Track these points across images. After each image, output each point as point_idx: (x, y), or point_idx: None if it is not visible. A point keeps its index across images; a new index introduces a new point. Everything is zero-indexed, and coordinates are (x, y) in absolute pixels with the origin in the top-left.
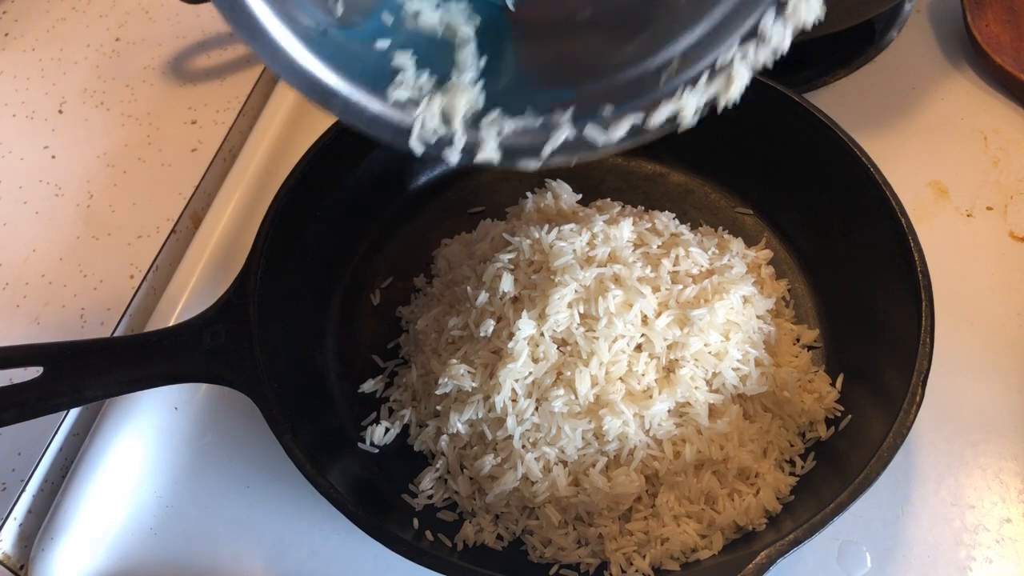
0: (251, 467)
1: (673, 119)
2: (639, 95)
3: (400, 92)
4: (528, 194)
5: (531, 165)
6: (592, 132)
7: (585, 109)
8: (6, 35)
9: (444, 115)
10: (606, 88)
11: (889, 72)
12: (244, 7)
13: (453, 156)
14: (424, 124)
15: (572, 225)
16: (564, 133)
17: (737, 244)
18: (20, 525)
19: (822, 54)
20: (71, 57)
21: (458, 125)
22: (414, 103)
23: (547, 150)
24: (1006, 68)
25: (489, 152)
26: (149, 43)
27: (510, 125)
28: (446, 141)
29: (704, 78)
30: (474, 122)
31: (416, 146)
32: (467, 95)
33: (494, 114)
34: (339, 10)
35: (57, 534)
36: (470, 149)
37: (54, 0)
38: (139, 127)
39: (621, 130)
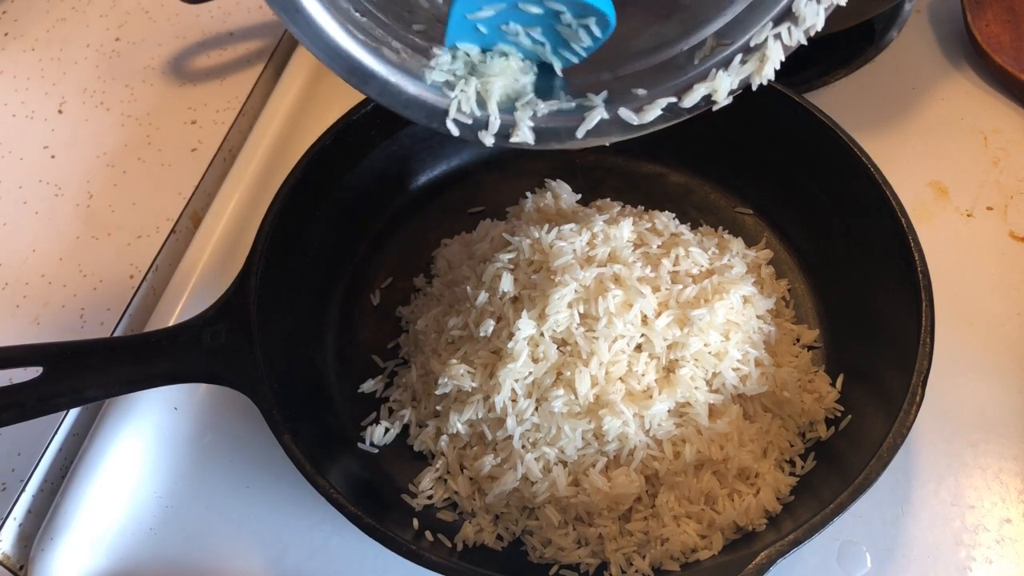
0: (251, 467)
1: (707, 98)
2: (673, 77)
3: (436, 75)
4: (528, 194)
5: (566, 146)
6: (626, 114)
7: (619, 92)
8: (6, 35)
9: (479, 97)
10: (640, 71)
11: (889, 72)
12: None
13: (488, 138)
14: (460, 106)
15: (572, 225)
16: (598, 115)
17: (737, 244)
18: (20, 525)
19: (822, 54)
20: (71, 57)
21: (493, 107)
22: (450, 86)
23: (581, 131)
24: (1006, 68)
25: (523, 134)
26: (149, 43)
27: (544, 108)
28: (481, 123)
29: (738, 59)
30: (509, 105)
31: (451, 128)
32: (502, 78)
33: (528, 96)
34: None
35: (57, 534)
36: (505, 131)
37: (54, 0)
38: (139, 127)
39: (654, 112)
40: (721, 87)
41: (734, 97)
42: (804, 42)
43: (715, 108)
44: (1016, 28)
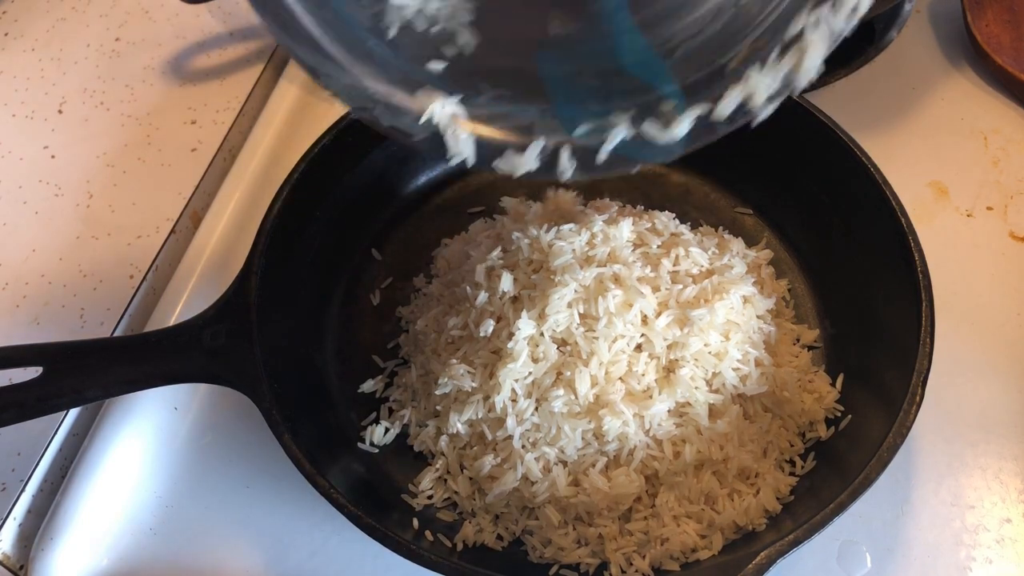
0: (251, 467)
1: (744, 108)
2: (704, 87)
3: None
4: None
5: (590, 176)
6: (651, 129)
7: (645, 111)
8: (6, 35)
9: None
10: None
11: (889, 72)
12: (297, 26)
13: (502, 166)
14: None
15: (571, 225)
16: (620, 134)
17: (737, 244)
18: (20, 525)
19: None
20: (71, 57)
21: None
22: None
23: (602, 156)
24: (1006, 68)
25: (529, 163)
26: (149, 43)
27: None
28: (492, 151)
29: (774, 55)
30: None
31: (465, 158)
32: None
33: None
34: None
35: (57, 534)
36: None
37: (54, 0)
38: (139, 127)
39: (684, 125)
40: (758, 89)
41: (776, 108)
42: (846, 29)
43: (755, 121)
44: (1016, 28)
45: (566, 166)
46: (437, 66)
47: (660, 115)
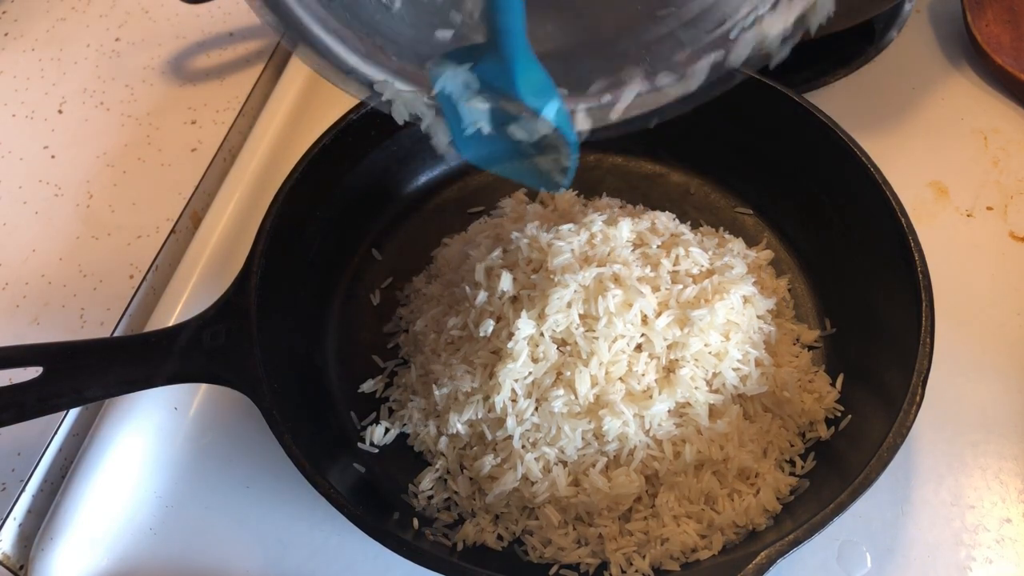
0: (251, 467)
1: (759, 51)
2: (715, 27)
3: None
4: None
5: (607, 134)
6: (666, 81)
7: (657, 61)
8: (6, 35)
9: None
10: (675, 34)
11: (889, 72)
12: (302, 20)
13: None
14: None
15: (570, 225)
16: (635, 89)
17: (737, 244)
18: (20, 525)
19: (822, 54)
20: (71, 57)
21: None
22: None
23: (618, 110)
24: (1006, 68)
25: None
26: (149, 43)
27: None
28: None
29: None
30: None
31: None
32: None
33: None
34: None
35: (57, 534)
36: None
37: (54, 0)
38: (139, 127)
39: (700, 74)
40: (771, 31)
41: (790, 51)
42: None
43: (772, 64)
44: (1016, 28)
45: (583, 124)
46: (445, 34)
47: (674, 65)
